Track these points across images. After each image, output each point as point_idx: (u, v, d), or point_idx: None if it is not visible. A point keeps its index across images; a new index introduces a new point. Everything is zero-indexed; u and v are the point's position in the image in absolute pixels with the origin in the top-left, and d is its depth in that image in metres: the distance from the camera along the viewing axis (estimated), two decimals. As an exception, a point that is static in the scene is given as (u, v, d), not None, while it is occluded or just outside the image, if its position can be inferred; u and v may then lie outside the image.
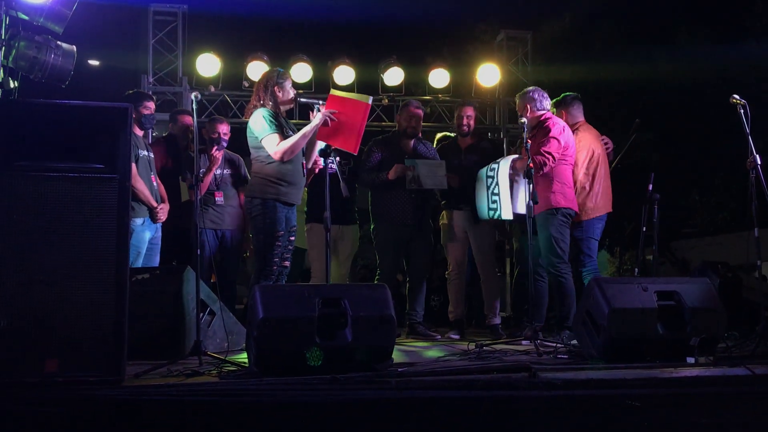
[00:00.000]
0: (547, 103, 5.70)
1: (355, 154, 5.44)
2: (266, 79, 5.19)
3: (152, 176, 5.63)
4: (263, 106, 5.06)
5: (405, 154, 6.12)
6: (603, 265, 20.20)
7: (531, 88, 5.78)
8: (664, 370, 3.67)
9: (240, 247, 6.31)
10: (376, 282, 5.87)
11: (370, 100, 5.13)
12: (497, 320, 6.42)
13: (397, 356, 4.08)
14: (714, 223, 14.44)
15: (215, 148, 5.93)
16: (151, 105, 5.80)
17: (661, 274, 10.01)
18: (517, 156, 5.65)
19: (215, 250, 6.02)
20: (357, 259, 8.05)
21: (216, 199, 6.05)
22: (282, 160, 4.98)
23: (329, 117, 5.00)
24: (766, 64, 12.12)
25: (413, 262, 6.25)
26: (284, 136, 5.01)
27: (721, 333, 4.27)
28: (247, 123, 5.15)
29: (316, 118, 5.00)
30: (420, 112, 6.32)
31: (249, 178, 6.30)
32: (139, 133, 5.62)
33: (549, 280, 5.62)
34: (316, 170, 5.44)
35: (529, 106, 5.61)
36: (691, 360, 3.87)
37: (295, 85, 5.54)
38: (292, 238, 5.13)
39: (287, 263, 5.15)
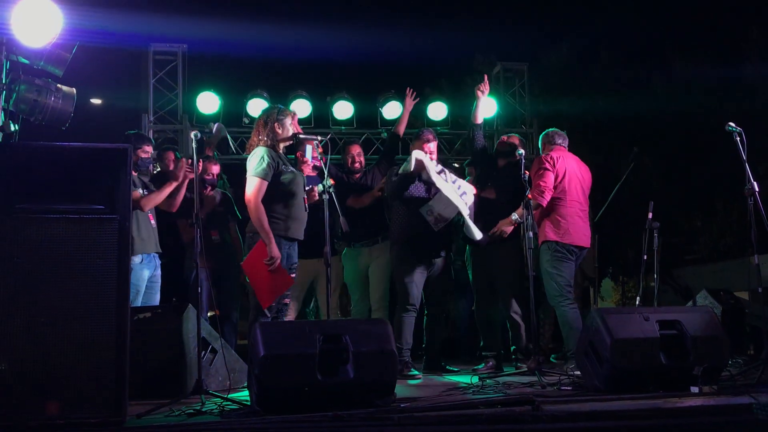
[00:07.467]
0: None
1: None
2: (266, 115, 5.17)
3: (149, 215, 5.63)
4: (262, 143, 5.04)
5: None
6: (607, 292, 20.17)
7: (552, 130, 5.90)
8: (668, 400, 3.66)
9: (237, 281, 6.32)
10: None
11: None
12: None
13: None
14: (717, 249, 14.42)
15: (209, 188, 5.95)
16: (149, 149, 5.79)
17: (664, 302, 9.97)
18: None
19: (212, 287, 5.94)
20: (344, 296, 7.95)
21: (213, 237, 6.05)
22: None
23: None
24: (763, 89, 12.22)
25: (434, 293, 5.98)
26: (280, 175, 4.96)
27: (725, 361, 4.26)
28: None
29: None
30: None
31: (239, 215, 6.33)
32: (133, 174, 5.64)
33: (555, 312, 5.63)
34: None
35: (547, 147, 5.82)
36: (695, 389, 3.85)
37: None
38: (293, 275, 5.08)
39: (287, 300, 5.12)
